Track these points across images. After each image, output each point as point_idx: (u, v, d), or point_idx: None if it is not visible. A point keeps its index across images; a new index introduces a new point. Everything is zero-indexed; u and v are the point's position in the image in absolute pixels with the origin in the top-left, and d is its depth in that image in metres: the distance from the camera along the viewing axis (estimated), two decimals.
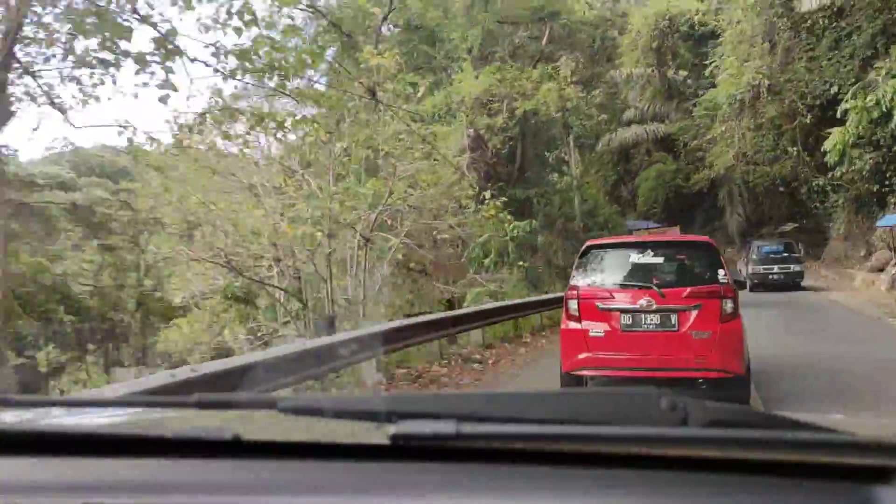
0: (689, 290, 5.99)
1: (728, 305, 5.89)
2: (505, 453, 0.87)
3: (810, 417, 1.01)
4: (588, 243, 6.74)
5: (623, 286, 6.21)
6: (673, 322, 5.95)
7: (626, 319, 6.03)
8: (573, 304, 6.21)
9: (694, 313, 5.89)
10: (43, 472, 0.91)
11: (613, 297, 6.11)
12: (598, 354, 5.93)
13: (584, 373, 6.06)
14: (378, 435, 0.89)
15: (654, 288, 6.00)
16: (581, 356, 5.99)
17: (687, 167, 32.00)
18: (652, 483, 0.83)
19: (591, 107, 25.37)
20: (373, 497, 0.83)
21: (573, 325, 6.21)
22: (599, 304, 6.09)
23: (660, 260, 6.37)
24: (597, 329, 6.05)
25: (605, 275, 6.41)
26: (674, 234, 28.07)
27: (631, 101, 34.83)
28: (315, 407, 1.05)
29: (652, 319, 6.00)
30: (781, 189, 27.99)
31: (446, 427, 0.86)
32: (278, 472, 0.88)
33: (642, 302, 5.95)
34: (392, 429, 0.88)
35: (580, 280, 6.33)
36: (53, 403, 1.33)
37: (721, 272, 6.02)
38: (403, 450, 0.87)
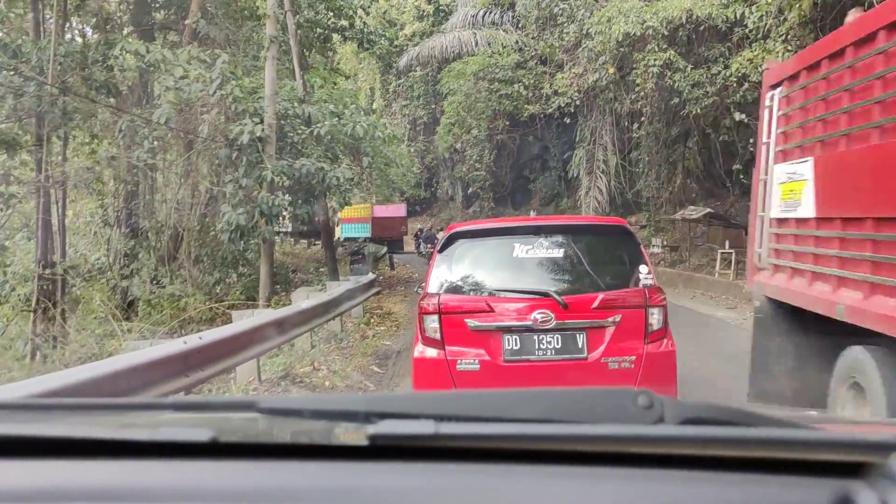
0: (601, 296, 4.61)
1: (655, 317, 4.60)
2: (484, 452, 0.92)
3: (785, 414, 1.23)
4: (452, 229, 5.13)
5: (506, 293, 4.73)
6: (580, 345, 4.55)
7: (511, 344, 4.56)
8: (431, 322, 4.67)
9: (610, 331, 4.57)
10: (15, 477, 0.91)
11: (492, 311, 4.63)
12: None
13: None
14: (357, 435, 0.95)
15: (553, 295, 4.56)
16: None
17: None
18: (630, 480, 0.89)
19: None
20: (352, 498, 0.87)
21: (432, 352, 4.65)
22: (471, 322, 4.61)
23: (558, 253, 4.82)
24: (468, 359, 4.56)
25: (477, 277, 4.87)
26: (399, 210, 31.02)
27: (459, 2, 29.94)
28: (293, 408, 1.11)
29: (550, 342, 4.53)
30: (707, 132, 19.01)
31: (425, 427, 0.91)
32: (257, 474, 0.91)
33: (535, 316, 4.51)
34: (371, 429, 0.93)
35: (441, 285, 4.80)
36: (26, 407, 1.34)
37: (644, 270, 4.73)
38: (382, 450, 0.92)
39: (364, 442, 0.90)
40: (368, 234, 28.20)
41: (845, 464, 0.86)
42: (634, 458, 0.89)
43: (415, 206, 42.95)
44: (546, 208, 32.35)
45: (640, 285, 4.59)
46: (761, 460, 0.88)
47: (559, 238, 4.77)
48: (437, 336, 4.56)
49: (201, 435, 0.92)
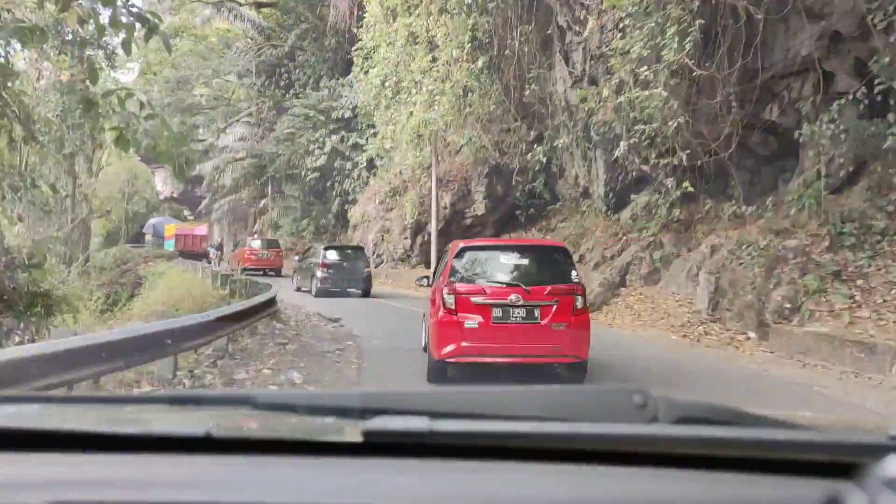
0: (549, 288, 7.72)
1: (579, 301, 7.71)
2: (478, 450, 0.94)
3: (778, 414, 1.11)
4: (462, 244, 8.34)
5: (494, 284, 7.84)
6: (536, 315, 7.58)
7: (497, 313, 7.57)
8: (450, 299, 7.70)
9: (553, 308, 7.61)
10: (11, 468, 0.92)
11: (486, 294, 7.72)
12: (471, 343, 7.58)
13: (459, 359, 7.72)
14: (351, 431, 0.95)
15: (521, 286, 7.67)
16: (456, 345, 7.61)
17: None
18: (623, 479, 0.90)
19: None
20: (345, 493, 0.88)
21: (449, 317, 7.66)
22: (474, 299, 7.68)
23: (525, 261, 8.21)
24: (471, 321, 7.56)
25: (478, 273, 7.99)
26: (202, 230, 45.06)
27: None
28: (288, 403, 1.11)
29: (519, 313, 7.56)
30: None
31: (419, 424, 0.92)
32: (251, 468, 0.92)
33: (511, 298, 7.58)
34: (365, 425, 0.94)
35: (456, 277, 7.89)
36: (20, 399, 1.35)
37: (574, 273, 7.94)
38: (377, 446, 0.93)
39: (358, 438, 0.92)
40: (172, 248, 38.89)
41: (836, 465, 0.88)
42: (628, 456, 0.91)
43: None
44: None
45: (572, 282, 7.71)
46: (754, 460, 0.90)
47: (526, 252, 8.41)
48: (453, 307, 7.54)
49: (196, 430, 0.94)
